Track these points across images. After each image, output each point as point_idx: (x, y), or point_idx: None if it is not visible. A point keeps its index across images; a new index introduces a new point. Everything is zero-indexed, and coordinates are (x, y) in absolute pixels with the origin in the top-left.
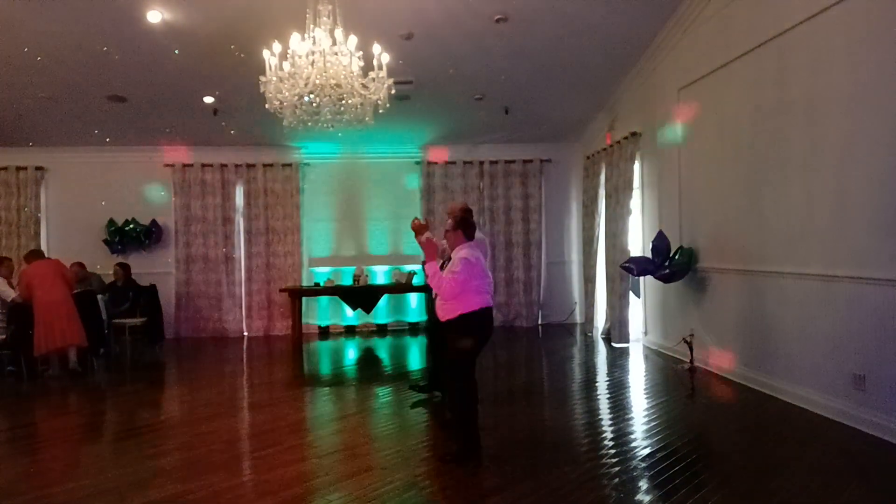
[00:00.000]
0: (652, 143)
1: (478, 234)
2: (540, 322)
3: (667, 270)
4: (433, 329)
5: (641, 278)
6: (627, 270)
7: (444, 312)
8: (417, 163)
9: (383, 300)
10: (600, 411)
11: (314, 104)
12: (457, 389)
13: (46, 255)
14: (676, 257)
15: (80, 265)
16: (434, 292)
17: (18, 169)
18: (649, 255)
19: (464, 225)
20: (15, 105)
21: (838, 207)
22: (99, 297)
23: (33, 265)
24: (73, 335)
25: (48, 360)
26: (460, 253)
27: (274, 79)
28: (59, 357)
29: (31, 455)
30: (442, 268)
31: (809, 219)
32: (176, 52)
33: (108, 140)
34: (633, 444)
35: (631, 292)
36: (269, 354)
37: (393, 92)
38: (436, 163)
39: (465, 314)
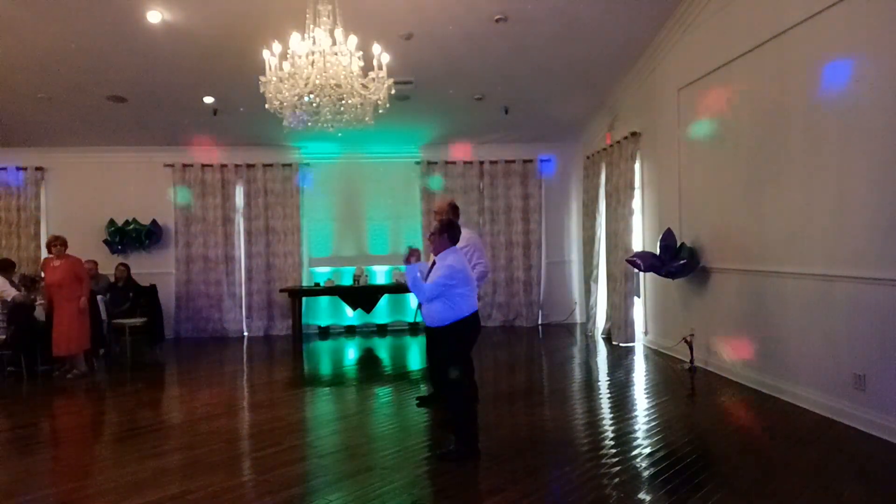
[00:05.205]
0: (652, 143)
1: (471, 235)
2: (540, 322)
3: (678, 264)
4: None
5: (641, 279)
6: (634, 266)
7: (433, 319)
8: (417, 163)
9: (383, 300)
10: (600, 411)
11: (314, 104)
12: (454, 395)
13: (47, 254)
14: (680, 255)
15: (95, 263)
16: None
17: (18, 169)
18: (653, 252)
19: (450, 229)
20: (15, 105)
21: (838, 207)
22: (99, 297)
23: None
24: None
25: (74, 360)
26: (446, 260)
27: (274, 79)
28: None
29: (32, 455)
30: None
31: (809, 219)
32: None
33: (107, 140)
34: (634, 444)
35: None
36: (269, 354)
37: (393, 92)
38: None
39: (457, 321)
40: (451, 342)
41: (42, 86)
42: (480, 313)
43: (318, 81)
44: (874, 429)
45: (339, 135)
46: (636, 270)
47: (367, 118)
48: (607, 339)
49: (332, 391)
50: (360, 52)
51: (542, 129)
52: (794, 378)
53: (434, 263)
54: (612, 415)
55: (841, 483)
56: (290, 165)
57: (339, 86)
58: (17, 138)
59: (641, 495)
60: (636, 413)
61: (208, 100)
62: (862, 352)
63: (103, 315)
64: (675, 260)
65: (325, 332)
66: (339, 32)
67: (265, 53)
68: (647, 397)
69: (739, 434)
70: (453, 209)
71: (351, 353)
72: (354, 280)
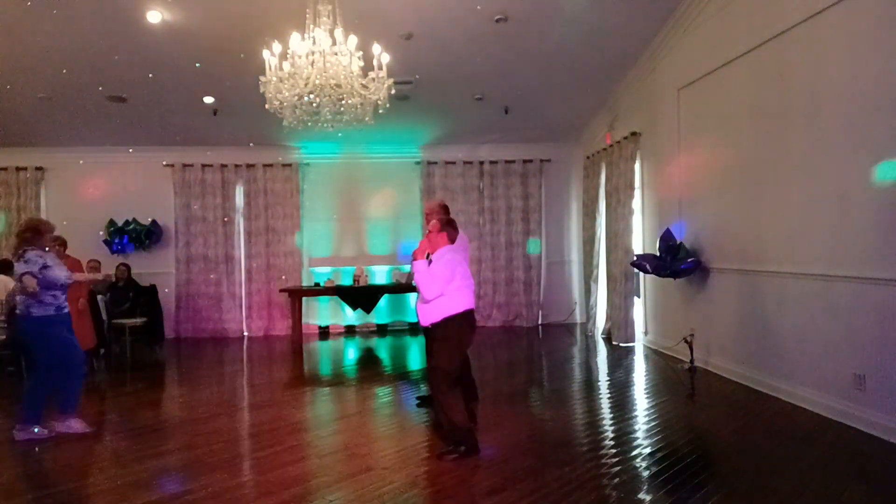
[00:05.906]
0: (652, 143)
1: (461, 234)
2: (540, 322)
3: (686, 263)
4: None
5: (641, 279)
6: (640, 269)
7: (428, 317)
8: (417, 163)
9: (383, 300)
10: (600, 411)
11: (314, 104)
12: (442, 400)
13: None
14: (678, 255)
15: (98, 262)
16: (419, 296)
17: (18, 169)
18: (654, 253)
19: (449, 227)
20: (15, 105)
21: (838, 207)
22: (99, 297)
23: None
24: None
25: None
26: (445, 257)
27: (274, 79)
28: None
29: (32, 455)
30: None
31: (809, 219)
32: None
33: (107, 140)
34: (634, 444)
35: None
36: (269, 354)
37: (393, 92)
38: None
39: (449, 317)
40: (445, 338)
41: (42, 86)
42: (481, 313)
43: (318, 81)
44: (874, 429)
45: (340, 135)
46: (636, 270)
47: (367, 118)
48: (607, 339)
49: (332, 391)
50: (360, 52)
51: (542, 129)
52: (794, 378)
53: (430, 262)
54: (612, 415)
55: (841, 483)
56: (290, 165)
57: (339, 86)
58: (17, 138)
59: (641, 495)
60: (636, 413)
61: (208, 100)
62: (862, 352)
63: (103, 315)
64: (676, 260)
65: (325, 332)
66: (339, 32)
67: (265, 53)
68: (647, 397)
69: (739, 434)
70: (444, 209)
71: (351, 353)
72: (354, 280)
